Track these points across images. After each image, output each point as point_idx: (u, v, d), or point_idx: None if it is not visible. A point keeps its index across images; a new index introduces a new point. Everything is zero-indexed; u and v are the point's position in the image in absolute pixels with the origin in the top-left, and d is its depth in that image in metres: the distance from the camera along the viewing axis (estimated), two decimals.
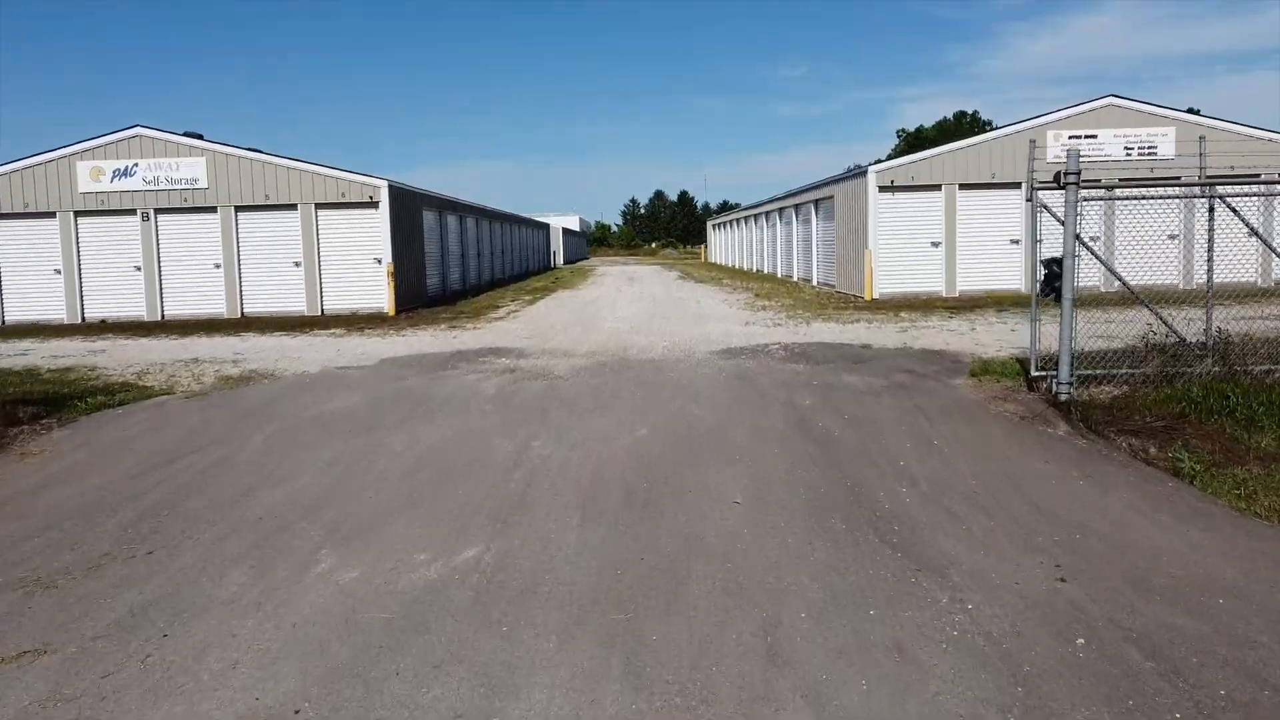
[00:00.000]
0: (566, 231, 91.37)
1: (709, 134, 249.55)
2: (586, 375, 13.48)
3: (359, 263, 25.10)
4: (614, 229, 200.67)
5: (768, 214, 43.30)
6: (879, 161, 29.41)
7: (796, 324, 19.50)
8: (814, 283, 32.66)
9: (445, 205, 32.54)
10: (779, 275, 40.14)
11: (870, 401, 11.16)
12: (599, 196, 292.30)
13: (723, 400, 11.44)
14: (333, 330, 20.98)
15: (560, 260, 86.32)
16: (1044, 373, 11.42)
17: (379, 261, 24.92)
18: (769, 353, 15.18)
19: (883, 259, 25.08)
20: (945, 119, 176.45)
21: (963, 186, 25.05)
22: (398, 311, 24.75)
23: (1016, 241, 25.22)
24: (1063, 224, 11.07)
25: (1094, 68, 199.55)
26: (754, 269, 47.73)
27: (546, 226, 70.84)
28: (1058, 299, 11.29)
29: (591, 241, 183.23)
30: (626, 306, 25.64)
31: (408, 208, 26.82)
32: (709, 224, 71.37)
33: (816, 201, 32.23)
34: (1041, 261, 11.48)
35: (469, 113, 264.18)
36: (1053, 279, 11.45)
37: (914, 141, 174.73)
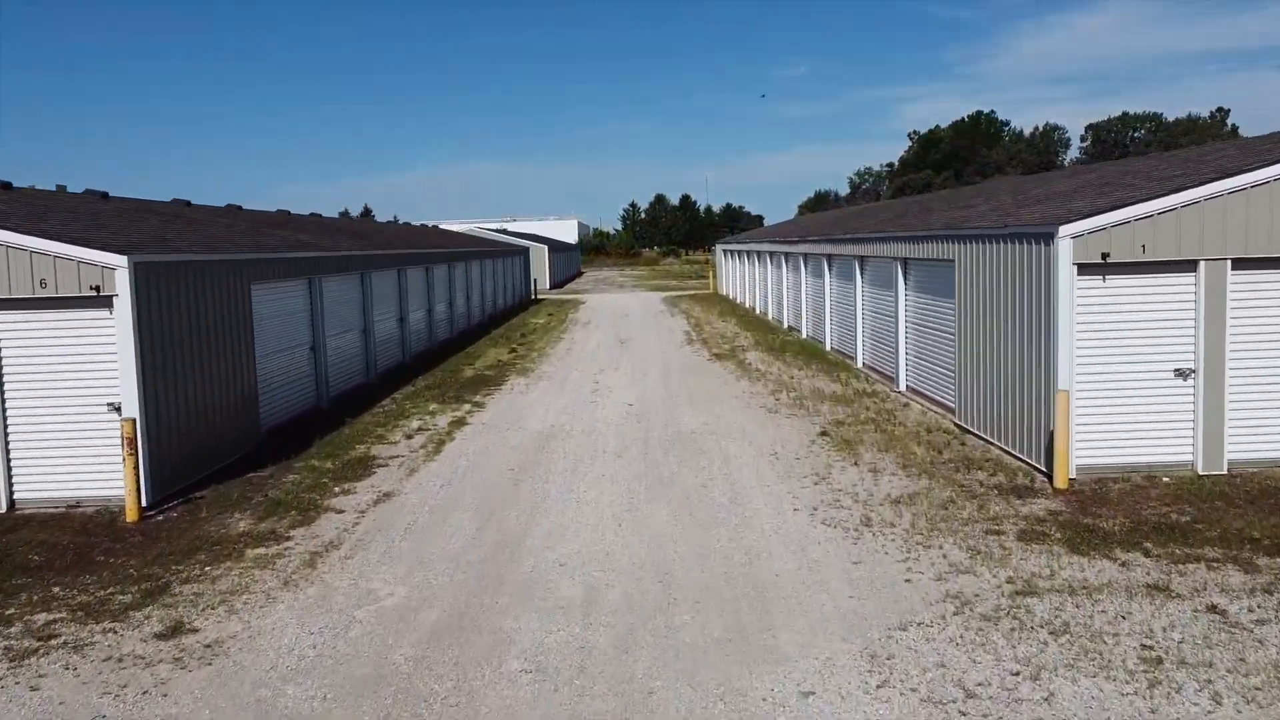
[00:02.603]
0: (554, 249, 79.95)
1: (709, 134, 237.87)
2: None
3: (83, 409, 13.19)
4: (612, 234, 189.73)
5: (806, 257, 31.36)
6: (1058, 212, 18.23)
7: (1010, 688, 7.59)
8: (901, 386, 20.71)
9: (313, 266, 20.55)
10: (826, 348, 28.18)
11: None
12: (598, 199, 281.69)
13: None
14: None
15: (546, 283, 75.01)
16: None
17: (115, 410, 12.98)
18: None
19: (1083, 398, 13.14)
20: (961, 120, 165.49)
21: (1239, 264, 13.09)
22: (158, 503, 12.88)
23: None
24: None
25: (1098, 67, 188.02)
26: (782, 323, 35.76)
27: (524, 252, 58.95)
28: None
29: (589, 249, 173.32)
30: (591, 483, 13.68)
31: (201, 292, 14.88)
32: (719, 247, 59.60)
33: (906, 261, 20.31)
34: None
35: (467, 113, 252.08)
36: None
37: (927, 145, 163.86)
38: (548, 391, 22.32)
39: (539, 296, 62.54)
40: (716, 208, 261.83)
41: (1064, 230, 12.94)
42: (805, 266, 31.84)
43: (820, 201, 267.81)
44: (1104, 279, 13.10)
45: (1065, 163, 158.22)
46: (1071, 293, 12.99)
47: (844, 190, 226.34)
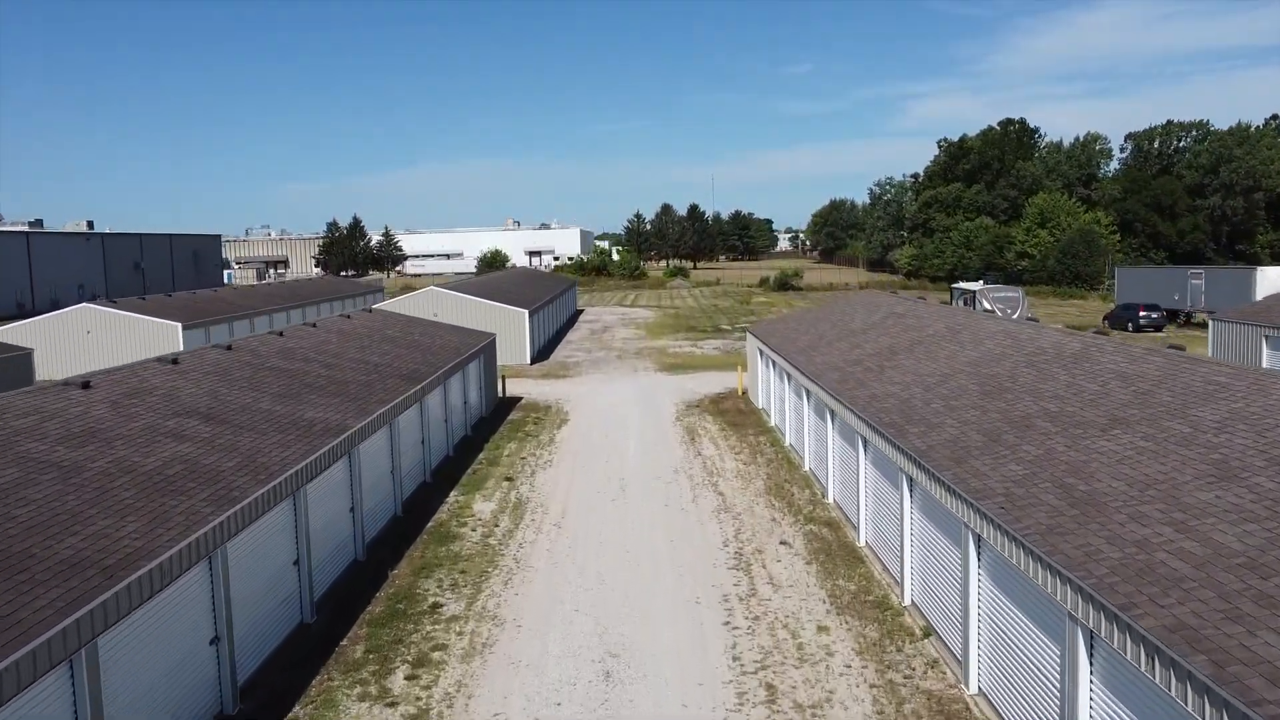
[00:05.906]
0: (536, 310, 64.67)
1: (714, 133, 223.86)
2: None
3: None
4: (615, 255, 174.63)
5: (961, 527, 15.96)
6: None
7: None
8: None
9: None
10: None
11: None
12: (601, 199, 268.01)
13: None
14: None
15: (527, 357, 60.10)
16: None
17: None
18: None
19: None
20: (991, 128, 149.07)
21: None
22: None
23: None
24: None
25: (1103, 65, 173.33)
26: (889, 576, 20.43)
27: (487, 345, 43.56)
28: None
29: (590, 269, 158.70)
30: None
31: None
32: (752, 339, 44.51)
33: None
34: None
35: (467, 114, 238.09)
36: None
37: (955, 154, 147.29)
38: None
39: (509, 394, 47.39)
40: (725, 214, 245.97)
41: None
42: (962, 547, 16.46)
43: (836, 210, 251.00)
44: None
45: (1107, 176, 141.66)
46: None
47: (861, 197, 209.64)
